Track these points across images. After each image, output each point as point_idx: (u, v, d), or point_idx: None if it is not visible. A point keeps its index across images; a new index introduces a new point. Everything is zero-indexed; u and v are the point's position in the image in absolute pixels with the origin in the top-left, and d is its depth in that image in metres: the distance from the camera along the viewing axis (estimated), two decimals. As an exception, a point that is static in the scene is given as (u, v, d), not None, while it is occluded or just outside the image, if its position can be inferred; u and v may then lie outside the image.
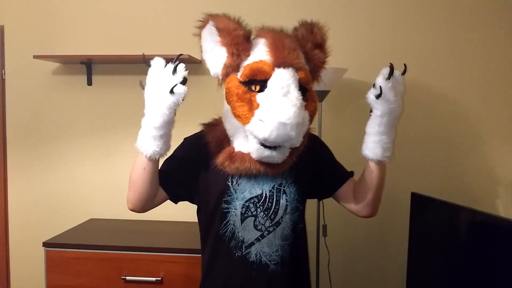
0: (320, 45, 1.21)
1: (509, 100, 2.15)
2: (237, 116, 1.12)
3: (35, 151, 2.39)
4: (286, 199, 1.20)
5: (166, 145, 1.15)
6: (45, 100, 2.37)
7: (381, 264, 2.26)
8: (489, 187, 2.18)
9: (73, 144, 2.37)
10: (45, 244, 1.89)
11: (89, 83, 2.34)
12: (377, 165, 1.19)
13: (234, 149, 1.18)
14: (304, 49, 1.19)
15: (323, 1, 2.19)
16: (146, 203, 1.24)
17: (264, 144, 1.08)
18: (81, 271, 1.87)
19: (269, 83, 1.09)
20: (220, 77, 1.16)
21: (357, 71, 2.13)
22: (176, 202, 1.30)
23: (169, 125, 1.13)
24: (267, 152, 1.09)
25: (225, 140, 1.20)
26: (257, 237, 1.18)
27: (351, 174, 1.35)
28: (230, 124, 1.18)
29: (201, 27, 1.17)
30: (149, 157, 1.14)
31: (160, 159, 1.18)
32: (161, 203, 1.28)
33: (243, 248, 1.18)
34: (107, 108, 2.34)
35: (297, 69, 1.11)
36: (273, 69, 1.09)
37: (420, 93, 2.17)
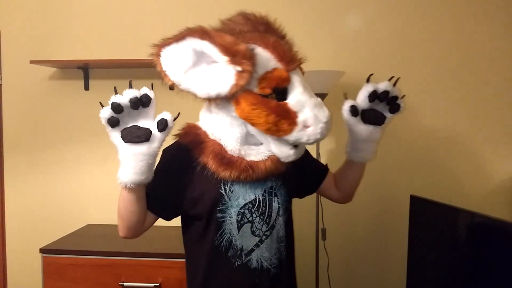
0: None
1: (507, 102, 2.15)
2: (268, 131, 1.07)
3: (32, 156, 2.38)
4: (278, 202, 1.20)
5: (149, 174, 1.09)
6: (42, 105, 2.36)
7: (380, 267, 2.25)
8: (488, 189, 2.18)
9: (70, 149, 2.36)
10: (42, 251, 1.88)
11: (86, 88, 2.33)
12: (358, 166, 1.31)
13: (232, 156, 1.11)
14: None
15: (319, 5, 2.19)
16: (135, 231, 1.20)
17: (307, 144, 1.13)
18: (79, 277, 1.85)
19: (293, 88, 1.09)
20: (226, 97, 1.06)
21: (355, 74, 2.13)
22: (169, 219, 1.22)
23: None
24: (293, 151, 1.12)
25: (221, 151, 1.13)
26: (256, 243, 1.16)
27: (327, 167, 1.43)
28: (228, 133, 1.12)
29: (167, 45, 1.07)
30: (123, 186, 1.09)
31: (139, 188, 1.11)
32: (152, 225, 1.23)
33: (243, 256, 1.15)
34: (104, 113, 2.33)
35: (298, 67, 1.14)
36: (288, 74, 1.09)
37: (418, 97, 2.17)
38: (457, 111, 2.18)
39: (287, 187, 1.23)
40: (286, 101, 1.08)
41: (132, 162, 1.06)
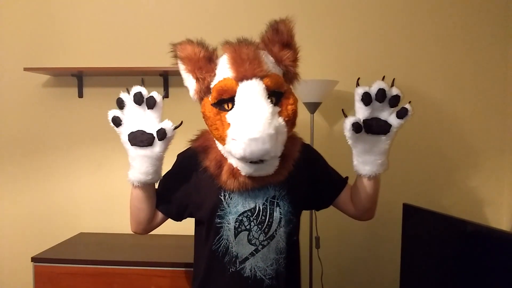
0: (288, 44, 1.15)
1: (500, 112, 2.18)
2: (216, 139, 1.13)
3: (24, 164, 2.36)
4: (280, 212, 1.17)
5: (155, 175, 1.19)
6: (35, 113, 2.35)
7: (374, 275, 2.25)
8: (481, 198, 2.20)
9: (63, 157, 2.35)
10: (34, 259, 1.86)
11: (80, 95, 2.33)
12: (369, 179, 1.19)
13: (232, 165, 1.13)
14: (273, 52, 1.14)
15: (313, 14, 2.22)
16: (144, 227, 1.26)
17: (247, 161, 1.06)
18: (71, 286, 1.83)
19: (238, 99, 1.07)
20: (199, 102, 1.18)
21: (348, 83, 2.14)
22: (179, 220, 1.30)
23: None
24: (253, 168, 1.07)
25: (221, 157, 1.17)
26: (251, 252, 1.16)
27: (346, 180, 1.33)
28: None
29: (174, 57, 1.19)
30: (131, 183, 1.19)
31: (146, 186, 1.20)
32: (162, 223, 1.30)
33: (237, 264, 1.16)
34: (98, 120, 2.32)
35: (261, 78, 1.07)
36: (237, 84, 1.07)
37: (412, 105, 2.18)
38: (450, 119, 2.20)
39: (291, 198, 1.20)
40: (227, 112, 1.09)
41: (137, 163, 1.15)
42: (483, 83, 2.18)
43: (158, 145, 1.12)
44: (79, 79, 2.31)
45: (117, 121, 1.12)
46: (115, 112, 1.13)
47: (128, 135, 1.13)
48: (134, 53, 2.29)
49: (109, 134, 2.30)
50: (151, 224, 1.27)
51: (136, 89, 1.11)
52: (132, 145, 1.13)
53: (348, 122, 1.11)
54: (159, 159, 1.15)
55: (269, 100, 1.07)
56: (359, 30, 2.22)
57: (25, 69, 2.16)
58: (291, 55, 1.15)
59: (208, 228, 1.19)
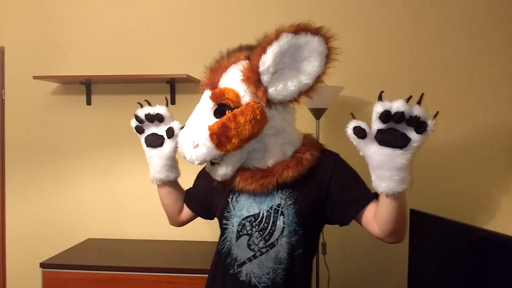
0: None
1: (506, 118, 2.16)
2: None
3: (33, 171, 2.39)
4: (284, 221, 1.15)
5: (168, 173, 1.31)
6: (44, 120, 2.39)
7: (381, 282, 2.24)
8: (489, 203, 2.18)
9: (72, 164, 2.37)
10: (42, 265, 1.87)
11: (88, 102, 2.35)
12: (388, 197, 1.03)
13: (242, 167, 1.20)
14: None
15: (318, 19, 2.22)
16: (173, 221, 1.41)
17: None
18: (79, 292, 1.84)
19: None
20: None
21: (353, 89, 2.15)
22: (207, 218, 1.37)
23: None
24: (212, 167, 1.18)
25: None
26: (249, 257, 1.16)
27: (371, 196, 1.15)
28: None
29: None
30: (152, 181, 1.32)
31: (168, 183, 1.33)
32: (192, 219, 1.41)
33: (235, 266, 1.18)
34: (106, 127, 2.35)
35: (212, 88, 1.15)
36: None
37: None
38: (458, 124, 2.19)
39: (297, 208, 1.15)
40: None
41: (152, 163, 1.30)
42: (489, 90, 2.17)
43: (167, 144, 1.26)
44: (87, 86, 2.34)
45: (140, 130, 1.30)
46: (134, 122, 1.30)
47: (145, 138, 1.29)
48: (142, 61, 2.32)
49: (117, 141, 2.34)
50: (179, 218, 1.39)
51: (146, 110, 1.26)
52: (147, 146, 1.29)
53: (349, 126, 1.02)
54: (170, 159, 1.29)
55: (211, 112, 1.14)
56: (365, 35, 2.23)
57: (35, 77, 2.20)
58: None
59: (220, 228, 1.25)
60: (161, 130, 1.28)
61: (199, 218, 1.39)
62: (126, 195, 2.33)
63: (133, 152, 2.31)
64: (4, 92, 2.41)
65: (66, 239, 2.27)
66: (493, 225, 2.16)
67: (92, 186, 2.36)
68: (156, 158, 1.28)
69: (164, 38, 2.31)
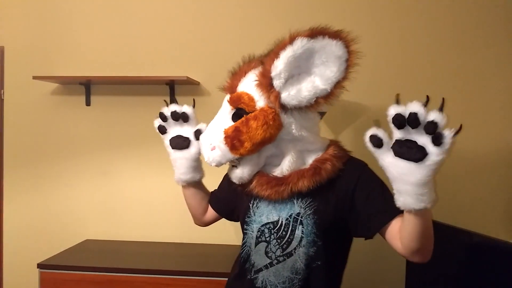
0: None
1: (506, 125, 2.17)
2: None
3: (32, 171, 2.39)
4: (302, 231, 1.12)
5: (194, 174, 1.34)
6: (43, 120, 2.38)
7: (379, 282, 2.23)
8: (487, 210, 2.18)
9: (71, 165, 2.37)
10: (40, 266, 1.87)
11: (88, 103, 2.35)
12: (409, 213, 0.96)
13: (262, 172, 1.20)
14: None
15: (319, 24, 2.22)
16: (198, 221, 1.43)
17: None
18: (76, 293, 1.84)
19: None
20: None
21: (353, 93, 2.14)
22: (232, 220, 1.39)
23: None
24: (232, 170, 1.20)
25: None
26: (266, 264, 1.16)
27: (397, 211, 1.02)
28: None
29: None
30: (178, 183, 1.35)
31: (191, 184, 1.36)
32: (216, 219, 1.42)
33: (252, 272, 1.18)
34: (106, 128, 2.35)
35: (231, 92, 1.18)
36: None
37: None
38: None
39: (317, 219, 1.11)
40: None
41: (177, 164, 1.32)
42: (493, 96, 2.16)
43: (194, 146, 1.29)
44: (87, 87, 2.34)
45: (162, 130, 1.31)
46: (159, 121, 1.31)
47: (170, 140, 1.31)
48: (141, 62, 2.32)
49: (116, 142, 2.34)
50: (203, 219, 1.41)
51: (172, 107, 1.29)
52: (172, 148, 1.31)
53: (368, 133, 0.95)
54: (195, 160, 1.32)
55: (230, 115, 1.16)
56: (365, 39, 2.22)
57: (34, 77, 2.19)
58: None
59: (242, 232, 1.26)
60: (185, 130, 1.30)
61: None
62: (124, 196, 2.33)
63: (132, 153, 2.30)
64: (3, 92, 2.40)
65: (63, 240, 2.26)
66: (496, 231, 2.16)
67: (91, 187, 2.36)
68: (182, 159, 1.30)
69: (164, 40, 2.31)
